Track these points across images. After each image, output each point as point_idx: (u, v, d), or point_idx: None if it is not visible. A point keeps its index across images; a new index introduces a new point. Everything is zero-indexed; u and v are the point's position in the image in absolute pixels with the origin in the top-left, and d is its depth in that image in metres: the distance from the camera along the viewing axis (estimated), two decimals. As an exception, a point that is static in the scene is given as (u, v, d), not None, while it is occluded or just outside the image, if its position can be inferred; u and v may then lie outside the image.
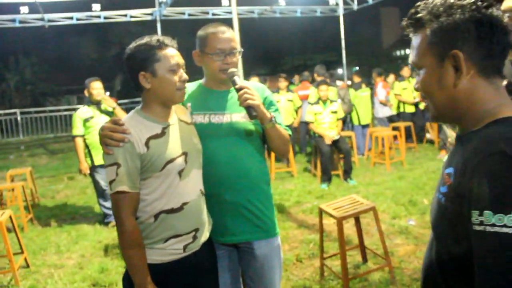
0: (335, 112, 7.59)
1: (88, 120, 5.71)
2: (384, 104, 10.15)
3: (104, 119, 5.52)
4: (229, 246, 2.33)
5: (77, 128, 5.75)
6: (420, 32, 1.19)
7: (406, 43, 1.26)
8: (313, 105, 7.78)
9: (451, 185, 1.11)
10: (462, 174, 1.07)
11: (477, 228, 0.99)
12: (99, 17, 13.03)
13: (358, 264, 4.20)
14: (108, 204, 5.75)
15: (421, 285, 1.32)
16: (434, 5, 1.15)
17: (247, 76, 9.27)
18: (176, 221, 1.97)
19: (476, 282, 1.01)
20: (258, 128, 2.24)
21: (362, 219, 4.72)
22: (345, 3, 14.64)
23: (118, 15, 13.29)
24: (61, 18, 12.92)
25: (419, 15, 1.18)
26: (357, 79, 10.42)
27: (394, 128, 9.36)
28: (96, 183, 5.90)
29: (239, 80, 2.14)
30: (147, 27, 13.80)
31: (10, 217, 4.65)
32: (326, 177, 7.34)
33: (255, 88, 2.23)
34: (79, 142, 5.75)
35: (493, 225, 0.96)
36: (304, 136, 10.05)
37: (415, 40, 1.21)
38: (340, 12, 14.71)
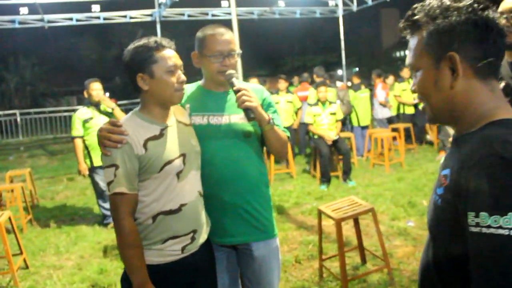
0: (334, 113, 7.59)
1: (87, 121, 5.72)
2: (383, 105, 10.15)
3: (103, 120, 5.53)
4: (228, 248, 2.33)
5: (76, 129, 5.75)
6: (417, 34, 1.19)
7: (406, 44, 1.26)
8: (312, 106, 7.79)
9: (448, 187, 1.11)
10: (458, 175, 1.07)
11: (473, 229, 1.00)
12: (98, 18, 13.04)
13: (357, 265, 4.21)
14: (107, 205, 5.75)
15: (419, 286, 1.32)
16: (430, 7, 1.16)
17: (246, 77, 9.27)
18: (174, 223, 1.97)
19: (473, 283, 1.01)
20: (257, 129, 2.24)
21: (361, 220, 4.72)
22: (344, 4, 14.65)
23: (117, 16, 13.29)
24: (60, 19, 12.92)
25: (416, 17, 1.18)
26: (356, 80, 10.42)
27: (394, 130, 9.36)
28: (95, 184, 5.90)
29: (237, 82, 2.14)
30: (147, 28, 13.79)
31: (9, 218, 4.65)
32: (325, 178, 7.35)
33: (254, 90, 2.23)
34: (78, 143, 5.76)
35: (489, 226, 0.97)
36: (303, 137, 10.05)
37: (412, 42, 1.21)
38: (340, 13, 14.72)
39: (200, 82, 2.37)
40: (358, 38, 35.36)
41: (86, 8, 12.89)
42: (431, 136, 10.31)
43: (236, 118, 2.22)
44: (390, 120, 10.25)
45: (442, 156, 8.51)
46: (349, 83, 10.78)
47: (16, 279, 4.32)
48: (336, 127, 7.62)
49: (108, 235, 5.53)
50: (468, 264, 1.03)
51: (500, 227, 0.95)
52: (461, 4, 1.12)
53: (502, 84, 2.23)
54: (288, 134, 2.34)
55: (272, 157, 7.96)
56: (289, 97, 9.17)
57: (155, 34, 12.33)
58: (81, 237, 5.59)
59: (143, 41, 1.96)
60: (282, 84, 9.22)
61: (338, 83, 10.68)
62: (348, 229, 4.94)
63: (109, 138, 1.86)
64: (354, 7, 14.55)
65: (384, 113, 10.28)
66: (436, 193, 1.17)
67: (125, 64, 1.97)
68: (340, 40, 14.80)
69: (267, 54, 36.32)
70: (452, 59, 1.12)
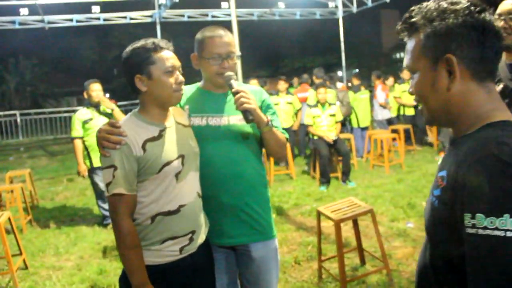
0: (334, 115, 7.60)
1: (87, 122, 5.72)
2: (383, 106, 10.16)
3: (103, 121, 5.53)
4: (227, 249, 2.34)
5: (76, 130, 5.76)
6: (414, 36, 1.20)
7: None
8: (311, 108, 7.79)
9: (444, 188, 1.12)
10: (454, 177, 1.07)
11: (470, 231, 1.01)
12: (98, 19, 13.06)
13: (356, 266, 4.21)
14: (107, 206, 5.73)
15: (416, 287, 1.33)
16: (428, 10, 1.17)
17: (246, 78, 9.27)
18: (173, 223, 1.98)
19: (469, 285, 1.02)
20: (256, 131, 2.25)
21: (360, 221, 4.73)
22: (344, 5, 14.67)
23: (117, 17, 13.31)
24: (60, 20, 12.94)
25: (413, 19, 1.19)
26: (356, 82, 10.43)
27: (393, 131, 9.36)
28: (95, 185, 5.91)
29: (236, 84, 2.15)
30: (147, 29, 13.81)
31: (9, 219, 4.65)
32: (325, 180, 7.35)
33: (252, 92, 2.24)
34: (78, 144, 5.77)
35: (485, 228, 0.97)
36: (303, 138, 10.05)
37: (410, 44, 1.22)
38: (340, 14, 14.75)
39: (199, 84, 2.38)
40: (358, 40, 35.35)
41: (86, 9, 12.91)
42: (431, 137, 10.31)
43: (235, 119, 2.23)
44: (390, 122, 10.25)
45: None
46: (350, 84, 10.77)
47: (16, 279, 4.32)
48: (335, 128, 7.63)
49: (107, 236, 5.53)
50: (465, 265, 1.04)
51: (496, 229, 0.96)
52: (458, 7, 1.12)
53: (501, 86, 2.24)
54: (287, 135, 2.35)
55: (272, 158, 7.96)
56: (289, 98, 9.18)
57: (155, 35, 12.35)
58: (80, 237, 5.60)
59: (141, 42, 1.97)
60: (282, 85, 9.22)
61: (339, 84, 10.69)
62: (347, 230, 4.95)
63: (108, 139, 1.86)
64: (354, 8, 14.57)
65: (384, 115, 10.28)
66: (433, 194, 1.18)
67: (123, 66, 1.98)
68: (340, 41, 14.81)
69: (267, 55, 36.30)
70: (449, 61, 1.13)
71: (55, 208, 7.18)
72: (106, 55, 33.38)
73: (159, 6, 12.72)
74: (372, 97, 10.54)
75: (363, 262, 4.22)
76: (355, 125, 9.90)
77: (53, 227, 6.17)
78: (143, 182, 1.93)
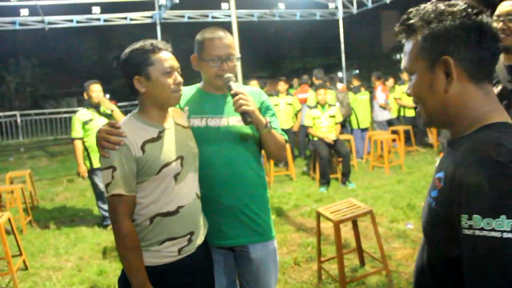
0: (334, 116, 7.60)
1: (87, 123, 5.73)
2: (383, 107, 10.16)
3: (103, 122, 5.54)
4: (226, 249, 2.34)
5: (76, 131, 5.76)
6: (412, 38, 1.20)
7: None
8: (311, 109, 7.79)
9: (442, 189, 1.12)
10: (451, 178, 1.08)
11: (467, 232, 1.01)
12: (99, 19, 13.06)
13: (355, 267, 4.21)
14: (106, 206, 5.74)
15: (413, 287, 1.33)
16: (425, 12, 1.17)
17: (246, 79, 9.27)
18: (172, 224, 1.98)
19: (466, 286, 1.02)
20: (255, 132, 2.25)
21: (360, 222, 4.73)
22: (344, 6, 14.67)
23: (118, 18, 13.31)
24: (61, 21, 12.93)
25: (411, 21, 1.20)
26: (356, 83, 10.43)
27: (393, 132, 9.36)
28: (95, 186, 5.91)
29: (235, 86, 2.15)
30: (147, 30, 13.82)
31: (9, 219, 4.66)
32: (325, 181, 7.35)
33: (251, 93, 2.25)
34: (78, 144, 5.77)
35: (482, 229, 0.98)
36: (303, 139, 10.05)
37: (407, 45, 1.23)
38: (340, 15, 14.74)
39: (199, 85, 2.38)
40: (358, 41, 35.40)
41: (86, 9, 12.91)
42: (431, 138, 10.31)
43: (234, 120, 2.23)
44: (390, 123, 10.25)
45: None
46: (352, 86, 10.78)
47: (16, 280, 4.32)
48: (335, 129, 7.63)
49: (107, 237, 5.53)
50: (462, 266, 1.04)
51: (493, 230, 0.96)
52: (455, 9, 1.13)
53: (499, 88, 2.24)
54: (286, 137, 2.35)
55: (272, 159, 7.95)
56: (289, 99, 9.17)
57: (155, 36, 12.37)
58: (80, 238, 5.60)
59: (139, 44, 1.98)
60: (282, 86, 9.22)
61: (339, 85, 10.70)
62: (347, 231, 4.95)
63: (107, 140, 1.87)
64: (354, 9, 14.57)
65: (384, 116, 10.28)
66: (431, 195, 1.18)
67: (122, 67, 1.99)
68: (340, 42, 14.81)
69: (267, 56, 36.32)
70: (447, 63, 1.13)
71: (55, 209, 7.19)
72: (106, 56, 33.40)
73: (159, 7, 12.72)
74: (372, 98, 10.54)
75: (362, 263, 4.22)
76: (355, 126, 9.90)
77: (53, 227, 6.17)
78: (142, 183, 1.93)
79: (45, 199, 7.97)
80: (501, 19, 2.24)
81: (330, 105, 7.69)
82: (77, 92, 27.71)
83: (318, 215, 4.05)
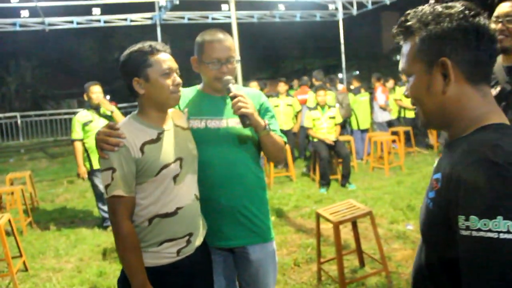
0: (333, 117, 7.61)
1: (87, 124, 5.73)
2: (383, 108, 10.17)
3: (103, 123, 5.54)
4: (225, 251, 2.35)
5: (76, 132, 5.77)
6: (410, 40, 1.21)
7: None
8: (311, 110, 7.79)
9: (439, 190, 1.13)
10: (449, 179, 1.08)
11: (464, 233, 1.01)
12: (99, 21, 13.08)
13: (355, 268, 4.21)
14: (107, 208, 5.74)
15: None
16: (423, 14, 1.18)
17: (246, 80, 9.29)
18: (170, 225, 1.99)
19: (463, 286, 1.02)
20: (254, 133, 2.25)
21: (360, 223, 4.74)
22: (344, 7, 14.70)
23: (118, 19, 13.33)
24: (61, 22, 12.96)
25: (409, 23, 1.20)
26: (356, 84, 10.44)
27: (393, 133, 9.37)
28: (95, 187, 5.92)
29: (234, 88, 2.16)
30: (148, 31, 13.83)
31: (9, 221, 4.66)
32: (325, 182, 7.36)
33: (251, 95, 2.25)
34: (78, 146, 5.78)
35: (479, 230, 0.98)
36: (303, 140, 10.06)
37: (405, 47, 1.23)
38: (340, 16, 14.78)
39: (198, 86, 2.38)
40: (358, 42, 35.39)
41: (86, 11, 12.94)
42: (431, 139, 10.31)
43: (233, 122, 2.23)
44: (390, 124, 10.26)
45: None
46: (352, 87, 10.79)
47: (16, 281, 4.32)
48: (335, 130, 7.64)
49: (107, 238, 5.54)
50: (459, 266, 1.05)
51: (490, 230, 0.97)
52: (452, 11, 1.14)
53: (498, 89, 2.25)
54: (285, 139, 2.35)
55: (272, 160, 7.94)
56: (289, 100, 9.18)
57: (156, 37, 12.38)
58: (80, 239, 5.61)
59: (138, 46, 1.99)
60: (282, 87, 9.22)
61: (340, 86, 10.71)
62: (346, 233, 4.96)
63: (106, 141, 1.88)
64: (354, 10, 14.60)
65: (384, 117, 10.29)
66: (428, 196, 1.19)
67: (121, 69, 2.00)
68: (340, 43, 14.83)
69: (267, 57, 36.37)
70: (444, 65, 1.14)
71: (55, 210, 7.20)
72: (107, 57, 33.45)
73: (160, 8, 12.75)
74: (372, 99, 10.55)
75: (362, 264, 4.23)
76: (355, 127, 9.90)
77: (53, 229, 6.18)
78: (141, 184, 1.94)
79: (45, 201, 7.98)
80: (500, 20, 2.25)
81: (330, 106, 7.70)
82: (78, 93, 27.69)
83: (318, 216, 4.06)
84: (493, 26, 2.21)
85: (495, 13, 2.29)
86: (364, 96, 10.01)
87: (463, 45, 1.12)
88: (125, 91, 2.02)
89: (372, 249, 4.45)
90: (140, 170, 1.91)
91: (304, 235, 5.22)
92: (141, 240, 1.96)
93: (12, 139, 18.16)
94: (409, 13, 1.21)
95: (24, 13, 12.30)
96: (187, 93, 2.33)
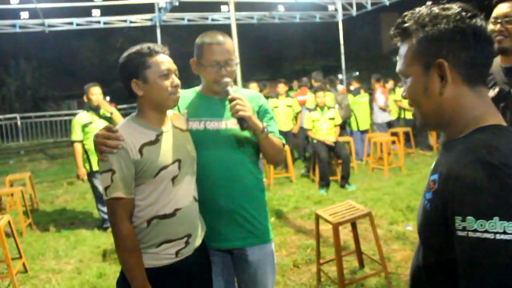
0: (333, 118, 7.62)
1: (86, 126, 5.74)
2: (383, 109, 10.17)
3: (102, 125, 5.54)
4: (223, 252, 2.35)
5: (76, 134, 5.77)
6: (407, 41, 1.21)
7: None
8: (311, 112, 7.80)
9: (436, 191, 1.13)
10: (446, 180, 1.09)
11: (460, 233, 1.02)
12: (99, 22, 13.07)
13: (354, 269, 4.22)
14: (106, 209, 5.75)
15: None
16: (420, 15, 1.18)
17: (246, 81, 9.29)
18: (169, 227, 1.99)
19: (460, 286, 1.03)
20: (253, 135, 2.26)
21: (359, 224, 4.74)
22: (344, 8, 14.70)
23: (117, 21, 13.33)
24: (61, 24, 12.96)
25: (406, 24, 1.20)
26: (356, 85, 10.45)
27: (393, 134, 9.37)
28: (94, 189, 5.92)
29: (232, 91, 2.16)
30: (147, 32, 13.83)
31: (9, 222, 4.66)
32: (325, 183, 7.36)
33: (250, 97, 2.25)
34: (78, 147, 5.78)
35: (475, 230, 0.99)
36: (303, 141, 10.06)
37: (402, 49, 1.24)
38: (339, 17, 14.78)
39: (198, 88, 2.39)
40: (358, 43, 35.41)
41: (86, 12, 12.93)
42: (431, 140, 10.31)
43: (232, 124, 2.23)
44: (390, 124, 10.26)
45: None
46: (352, 88, 10.79)
47: (15, 283, 4.33)
48: (334, 131, 7.65)
49: (107, 239, 5.54)
50: (456, 267, 1.05)
51: (486, 231, 0.97)
52: (449, 12, 1.14)
53: (496, 90, 2.25)
54: (284, 141, 2.35)
55: (272, 162, 7.94)
56: (288, 101, 9.19)
57: (155, 39, 12.39)
58: (80, 241, 5.61)
59: (136, 47, 2.00)
60: (282, 88, 9.23)
61: (340, 87, 10.71)
62: (346, 234, 4.96)
63: (105, 144, 1.88)
64: (354, 11, 14.59)
65: (383, 118, 10.29)
66: (425, 197, 1.19)
67: (120, 71, 2.00)
68: (339, 44, 14.84)
69: (267, 58, 36.40)
70: (441, 66, 1.14)
71: (55, 212, 7.20)
72: (107, 59, 33.45)
73: (159, 9, 12.75)
74: (371, 100, 10.55)
75: (361, 265, 4.23)
76: (354, 128, 9.90)
77: (53, 230, 6.18)
78: (140, 186, 1.94)
79: (45, 202, 7.98)
80: (498, 21, 2.25)
81: (329, 108, 7.71)
82: (78, 95, 27.66)
83: (317, 217, 4.06)
84: (490, 27, 2.23)
85: (493, 14, 2.29)
86: (364, 97, 10.02)
87: (460, 47, 1.13)
88: (125, 93, 2.02)
89: (371, 250, 4.45)
90: (139, 172, 1.92)
91: (303, 236, 5.22)
92: (140, 241, 1.96)
93: (12, 140, 18.16)
94: (406, 15, 1.22)
95: (24, 14, 12.29)
96: (187, 95, 2.33)
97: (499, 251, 0.96)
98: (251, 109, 2.13)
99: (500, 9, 2.27)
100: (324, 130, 7.54)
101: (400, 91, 10.08)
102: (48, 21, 12.62)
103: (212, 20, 13.96)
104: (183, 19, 13.76)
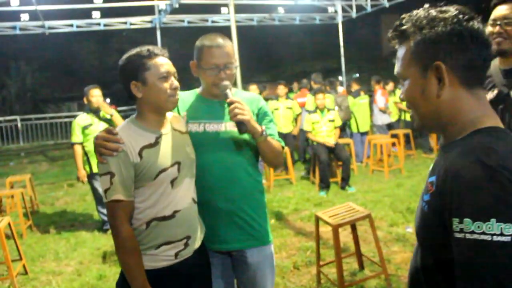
0: (333, 120, 7.63)
1: (87, 128, 5.74)
2: (383, 111, 10.17)
3: (102, 127, 5.55)
4: (223, 254, 2.35)
5: (76, 136, 5.78)
6: (405, 44, 1.22)
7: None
8: (310, 114, 7.80)
9: (434, 193, 1.14)
10: (443, 182, 1.09)
11: (458, 235, 1.02)
12: (99, 24, 13.09)
13: (354, 271, 4.22)
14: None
15: None
16: (418, 18, 1.19)
17: (246, 83, 9.29)
18: (168, 229, 1.99)
19: (457, 288, 1.04)
20: (252, 138, 2.26)
21: (359, 226, 4.74)
22: (344, 10, 14.71)
23: (118, 23, 13.34)
24: (61, 25, 12.99)
25: (404, 27, 1.21)
26: (356, 87, 10.45)
27: (393, 136, 9.37)
28: (94, 190, 5.92)
29: (231, 94, 2.16)
30: (147, 34, 13.85)
31: (9, 224, 4.66)
32: (325, 185, 7.36)
33: (249, 100, 2.26)
34: (78, 149, 5.79)
35: (473, 232, 0.99)
36: (303, 143, 10.06)
37: (400, 51, 1.24)
38: (339, 19, 14.79)
39: (197, 90, 2.39)
40: (358, 44, 35.39)
41: (86, 14, 12.94)
42: (431, 142, 10.31)
43: (232, 126, 2.23)
44: (390, 126, 10.26)
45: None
46: (352, 89, 10.79)
47: (15, 285, 4.33)
48: (334, 133, 7.65)
49: (107, 241, 5.54)
50: (454, 268, 1.06)
51: (483, 233, 0.98)
52: (447, 15, 1.15)
53: (495, 92, 2.25)
54: (283, 143, 2.36)
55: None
56: (288, 103, 9.19)
57: (155, 41, 12.40)
58: (80, 243, 5.61)
59: (136, 50, 2.01)
60: (282, 90, 9.23)
61: (340, 89, 10.71)
62: (346, 235, 4.96)
63: (104, 146, 1.88)
64: (353, 13, 14.60)
65: (383, 119, 10.30)
66: (423, 199, 1.20)
67: (119, 73, 2.01)
68: (339, 46, 14.85)
69: (267, 60, 36.37)
70: (439, 69, 1.15)
71: (55, 214, 7.20)
72: (107, 61, 33.47)
73: (159, 11, 12.77)
74: (371, 102, 10.55)
75: (361, 267, 4.23)
76: (354, 130, 9.91)
77: (53, 232, 6.18)
78: (139, 188, 1.95)
79: (45, 204, 7.98)
80: (497, 23, 2.26)
81: (329, 109, 7.72)
82: (78, 97, 27.69)
83: (317, 219, 4.06)
84: (489, 29, 2.23)
85: (492, 16, 2.30)
86: (364, 99, 10.02)
87: (457, 49, 1.13)
88: (125, 94, 2.03)
89: (371, 252, 4.45)
90: (139, 175, 1.92)
91: (303, 238, 5.22)
92: (139, 243, 1.96)
93: (13, 142, 18.16)
94: (404, 17, 1.23)
95: (24, 16, 12.32)
96: (187, 97, 2.34)
97: (496, 253, 0.97)
98: (250, 112, 2.14)
99: (499, 11, 2.28)
100: (324, 132, 7.55)
101: (399, 92, 10.07)
102: (48, 23, 12.65)
103: (212, 22, 13.98)
104: (183, 21, 13.79)
